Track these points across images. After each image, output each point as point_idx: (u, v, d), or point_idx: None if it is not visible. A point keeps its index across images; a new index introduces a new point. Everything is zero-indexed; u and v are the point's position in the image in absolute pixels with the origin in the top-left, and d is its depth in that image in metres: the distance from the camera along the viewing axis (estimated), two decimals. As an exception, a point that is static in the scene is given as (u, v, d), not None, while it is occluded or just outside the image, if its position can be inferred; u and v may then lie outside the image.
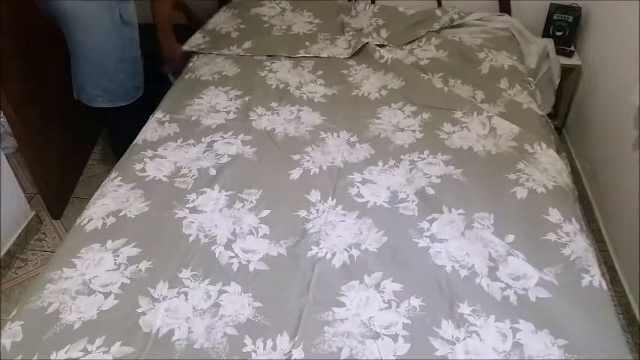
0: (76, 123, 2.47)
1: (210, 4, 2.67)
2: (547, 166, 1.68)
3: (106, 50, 1.95)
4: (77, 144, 2.53)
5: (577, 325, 1.20)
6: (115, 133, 2.33)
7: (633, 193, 1.83)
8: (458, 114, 1.91)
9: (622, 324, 1.78)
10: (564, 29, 2.44)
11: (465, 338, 1.18)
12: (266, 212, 1.51)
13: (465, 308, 1.24)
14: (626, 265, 1.92)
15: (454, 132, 1.83)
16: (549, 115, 2.25)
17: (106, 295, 1.28)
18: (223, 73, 2.16)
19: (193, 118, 1.89)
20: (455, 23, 2.42)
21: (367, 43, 2.28)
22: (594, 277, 1.32)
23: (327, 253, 1.38)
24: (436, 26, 2.39)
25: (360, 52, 2.29)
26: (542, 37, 2.48)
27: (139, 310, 1.24)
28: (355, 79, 2.13)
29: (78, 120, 2.47)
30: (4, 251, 2.04)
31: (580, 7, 2.43)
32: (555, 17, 2.44)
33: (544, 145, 1.75)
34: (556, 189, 1.59)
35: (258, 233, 1.45)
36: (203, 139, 1.78)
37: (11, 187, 2.07)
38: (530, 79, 2.16)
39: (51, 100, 2.25)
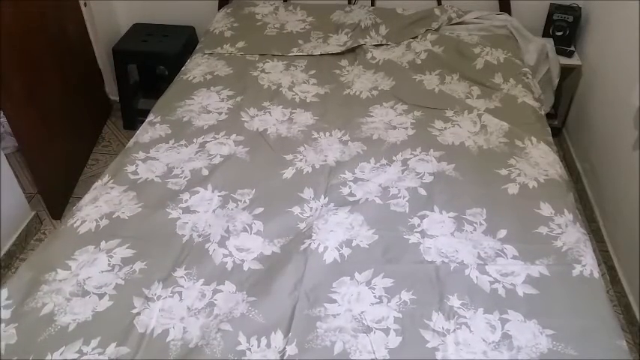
0: (76, 123, 2.47)
1: (210, 4, 2.69)
2: (538, 160, 1.69)
3: None
4: (77, 144, 2.54)
5: (566, 315, 1.21)
6: None
7: (633, 193, 1.83)
8: (449, 113, 1.91)
9: (622, 324, 1.78)
10: (564, 29, 2.44)
11: (455, 330, 1.19)
12: (259, 210, 1.52)
13: (454, 301, 1.25)
14: (626, 265, 1.91)
15: (446, 129, 1.84)
16: (549, 115, 2.25)
17: (101, 296, 1.29)
18: (215, 74, 2.16)
19: (185, 119, 1.89)
20: (453, 22, 2.42)
21: (362, 44, 2.29)
22: (585, 266, 1.33)
23: (318, 249, 1.39)
24: (434, 25, 2.39)
25: (352, 52, 2.30)
26: (543, 36, 2.48)
27: (134, 311, 1.25)
28: (347, 79, 2.14)
29: (78, 120, 2.49)
30: (4, 251, 2.04)
31: (580, 7, 2.43)
32: (555, 17, 2.44)
33: (534, 140, 1.76)
34: (547, 182, 1.60)
35: (251, 231, 1.45)
36: (195, 140, 1.79)
37: (11, 187, 2.07)
38: (526, 69, 2.16)
39: (51, 100, 2.26)
